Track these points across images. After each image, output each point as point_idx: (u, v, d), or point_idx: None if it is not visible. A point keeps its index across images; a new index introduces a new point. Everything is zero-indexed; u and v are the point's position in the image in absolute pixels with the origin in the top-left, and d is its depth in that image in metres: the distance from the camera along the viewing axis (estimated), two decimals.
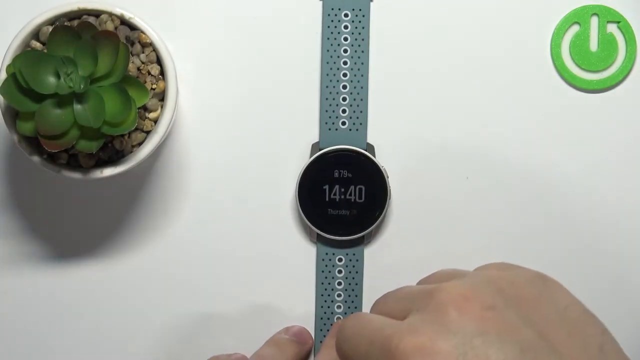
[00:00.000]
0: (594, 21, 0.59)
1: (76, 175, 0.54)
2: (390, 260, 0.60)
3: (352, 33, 0.59)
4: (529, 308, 0.45)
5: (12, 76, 0.51)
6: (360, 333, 0.47)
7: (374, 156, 0.59)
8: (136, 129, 0.54)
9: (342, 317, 0.59)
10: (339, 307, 0.59)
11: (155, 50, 0.55)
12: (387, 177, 0.59)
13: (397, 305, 0.48)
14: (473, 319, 0.44)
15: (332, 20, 0.59)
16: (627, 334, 0.59)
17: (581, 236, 0.60)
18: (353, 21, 0.59)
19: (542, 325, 0.45)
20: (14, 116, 0.53)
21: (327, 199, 0.59)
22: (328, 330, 0.59)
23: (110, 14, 0.54)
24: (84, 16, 0.55)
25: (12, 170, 0.59)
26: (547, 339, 0.44)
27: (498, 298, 0.45)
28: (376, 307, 0.49)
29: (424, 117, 0.60)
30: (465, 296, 0.44)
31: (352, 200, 0.59)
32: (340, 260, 0.59)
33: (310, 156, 0.59)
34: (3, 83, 0.51)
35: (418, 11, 0.59)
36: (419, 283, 0.50)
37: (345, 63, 0.59)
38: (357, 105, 0.59)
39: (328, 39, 0.59)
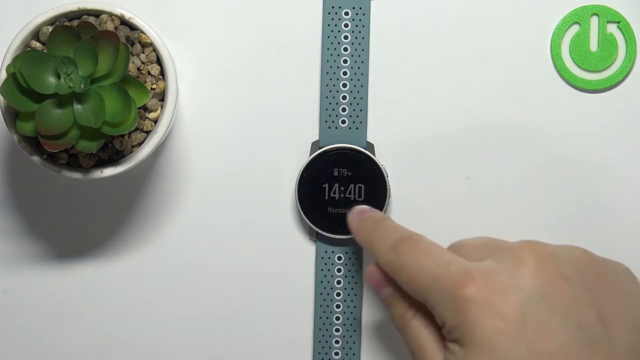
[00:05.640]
0: (594, 21, 0.59)
1: (76, 175, 0.54)
2: None
3: (353, 31, 0.59)
4: (600, 290, 0.46)
5: (12, 76, 0.51)
6: (422, 264, 0.47)
7: (374, 155, 0.59)
8: (136, 129, 0.54)
9: (340, 316, 0.59)
10: (338, 306, 0.59)
11: (155, 50, 0.55)
12: (387, 175, 0.59)
13: (474, 252, 0.48)
14: (544, 282, 0.44)
15: (332, 19, 0.59)
16: None
17: (582, 235, 0.60)
18: (353, 19, 0.59)
19: (608, 310, 0.45)
20: (14, 116, 0.53)
21: (326, 198, 0.59)
22: (327, 329, 0.59)
23: (111, 14, 0.54)
24: (84, 16, 0.55)
25: (12, 170, 0.59)
26: (607, 325, 0.45)
27: (574, 272, 0.46)
28: (452, 250, 0.49)
29: (424, 116, 0.60)
30: (544, 259, 0.45)
31: (352, 198, 0.59)
32: (339, 258, 0.60)
33: (310, 154, 0.59)
34: (3, 83, 0.51)
35: (418, 10, 0.59)
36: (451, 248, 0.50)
37: (345, 61, 0.59)
38: (357, 104, 0.59)
39: (328, 37, 0.59)
